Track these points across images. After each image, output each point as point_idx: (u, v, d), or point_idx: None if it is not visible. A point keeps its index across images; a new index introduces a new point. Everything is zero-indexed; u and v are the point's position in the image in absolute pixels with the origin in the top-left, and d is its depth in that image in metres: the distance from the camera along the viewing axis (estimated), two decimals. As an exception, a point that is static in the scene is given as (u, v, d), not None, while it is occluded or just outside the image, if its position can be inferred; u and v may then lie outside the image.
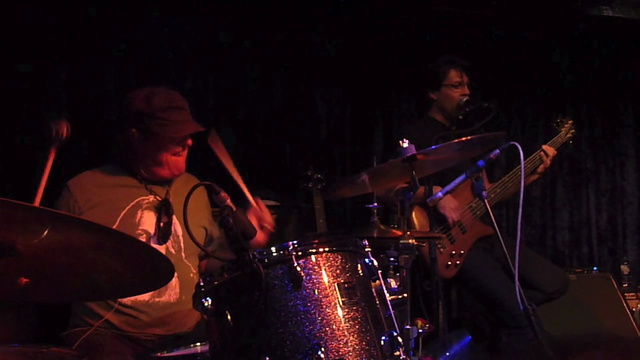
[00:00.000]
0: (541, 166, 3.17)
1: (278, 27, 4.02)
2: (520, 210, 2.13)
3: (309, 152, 4.10)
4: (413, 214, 3.02)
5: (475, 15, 4.10)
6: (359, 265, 1.63)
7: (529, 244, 4.63)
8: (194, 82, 3.95)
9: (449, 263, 3.02)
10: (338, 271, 1.56)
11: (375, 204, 2.25)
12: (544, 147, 3.17)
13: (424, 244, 2.77)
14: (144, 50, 3.73)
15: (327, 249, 1.57)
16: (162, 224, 2.17)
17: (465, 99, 3.11)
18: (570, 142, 3.35)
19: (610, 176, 4.89)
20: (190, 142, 2.22)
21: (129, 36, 3.69)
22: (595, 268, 4.22)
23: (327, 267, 1.56)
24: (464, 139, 2.06)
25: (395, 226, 2.90)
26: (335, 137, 4.26)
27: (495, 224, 2.23)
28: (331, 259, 1.57)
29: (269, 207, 2.34)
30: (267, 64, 4.10)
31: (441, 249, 2.98)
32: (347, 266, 1.58)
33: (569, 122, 3.31)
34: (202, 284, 1.57)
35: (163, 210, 2.19)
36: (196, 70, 3.95)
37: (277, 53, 4.06)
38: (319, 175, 3.62)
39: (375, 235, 2.18)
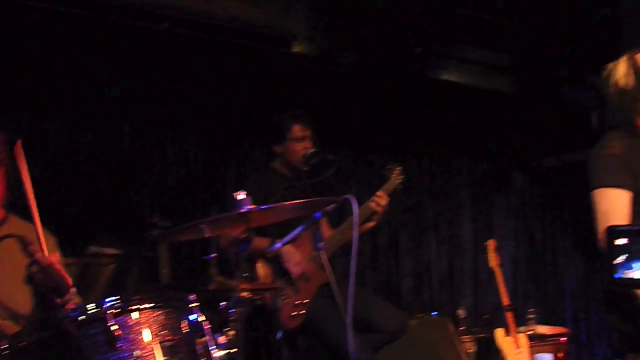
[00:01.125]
0: (374, 217, 3.26)
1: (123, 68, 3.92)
2: (353, 260, 2.19)
3: (156, 199, 3.99)
4: (259, 264, 3.01)
5: (316, 70, 4.27)
6: (184, 323, 1.59)
7: (376, 291, 4.80)
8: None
9: (294, 313, 3.03)
10: (160, 329, 1.51)
11: (213, 254, 2.21)
12: (378, 194, 3.27)
13: (267, 295, 2.76)
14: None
15: (148, 306, 1.52)
16: None
17: (310, 152, 3.18)
18: (400, 187, 3.46)
19: (449, 225, 5.25)
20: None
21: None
22: (435, 313, 4.47)
23: (148, 325, 1.50)
24: (296, 201, 2.10)
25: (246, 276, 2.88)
26: (186, 184, 4.19)
27: (330, 273, 2.28)
28: (153, 316, 1.52)
29: (109, 255, 2.20)
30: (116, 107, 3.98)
31: (285, 300, 2.99)
32: (171, 324, 1.54)
33: (398, 168, 3.42)
34: (6, 346, 1.44)
35: None
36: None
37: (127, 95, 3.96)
38: (165, 223, 3.51)
39: (212, 287, 2.14)
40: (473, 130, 5.19)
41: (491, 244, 4.35)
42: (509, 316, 4.19)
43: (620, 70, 2.15)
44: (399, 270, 5.02)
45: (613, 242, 0.65)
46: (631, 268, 0.64)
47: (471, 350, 4.40)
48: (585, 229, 2.53)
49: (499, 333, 4.21)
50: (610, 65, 2.20)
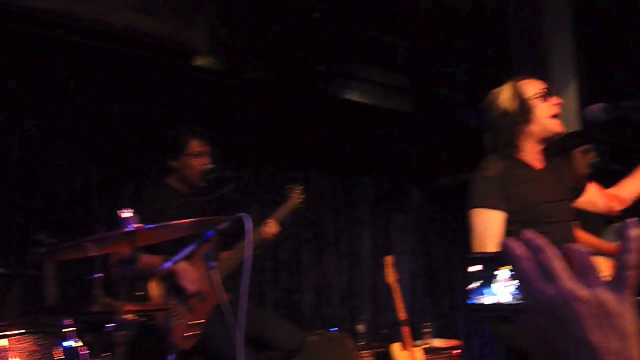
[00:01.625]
0: (267, 238, 3.24)
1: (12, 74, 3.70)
2: (245, 279, 2.16)
3: (44, 215, 3.76)
4: (152, 283, 2.91)
5: (218, 84, 4.22)
6: (58, 349, 1.50)
7: (276, 307, 4.78)
8: None
9: (188, 334, 2.95)
10: (30, 357, 1.41)
11: (98, 274, 2.12)
12: (269, 222, 3.26)
13: (159, 316, 2.67)
14: None
15: (18, 332, 1.42)
16: None
17: (207, 168, 3.12)
18: (300, 207, 3.49)
19: (349, 241, 5.33)
20: None
21: None
22: (335, 328, 4.50)
23: (17, 353, 1.40)
24: (186, 220, 2.05)
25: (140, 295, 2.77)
26: (78, 200, 3.98)
27: (221, 292, 2.24)
28: (23, 343, 1.42)
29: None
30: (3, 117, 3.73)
31: (179, 320, 2.90)
32: (42, 351, 1.44)
33: (299, 188, 3.46)
34: None
35: None
36: None
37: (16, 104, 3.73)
38: (52, 240, 3.31)
39: (95, 309, 2.03)
40: (373, 148, 5.31)
41: (389, 260, 4.45)
42: (405, 331, 4.30)
43: (505, 95, 2.29)
44: (300, 286, 5.03)
45: (467, 269, 0.66)
46: (482, 294, 0.66)
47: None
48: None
49: (395, 347, 4.30)
50: (495, 91, 2.34)
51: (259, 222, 3.23)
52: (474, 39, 5.22)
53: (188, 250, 2.24)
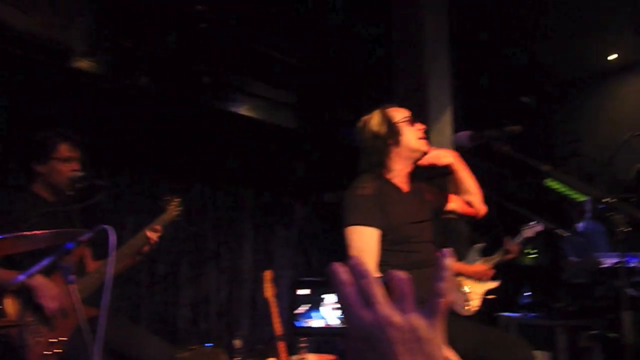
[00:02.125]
0: (145, 247, 3.14)
1: None
2: (105, 294, 2.06)
3: None
4: (7, 299, 2.70)
5: (97, 88, 4.06)
6: None
7: (151, 322, 4.62)
8: None
9: (47, 352, 2.76)
10: None
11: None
12: (153, 226, 3.16)
13: (13, 332, 2.48)
14: None
15: None
16: None
17: (76, 174, 2.95)
18: (177, 219, 3.39)
19: (230, 255, 5.27)
20: None
21: None
22: (210, 344, 4.42)
23: None
24: (41, 232, 1.93)
25: None
26: None
27: (80, 308, 2.12)
28: None
29: None
30: None
31: (37, 338, 2.71)
32: None
33: (176, 200, 3.36)
34: None
35: None
36: None
37: None
38: None
39: None
40: (258, 162, 5.31)
41: (267, 274, 4.45)
42: (281, 345, 4.30)
43: (375, 120, 2.42)
44: (177, 300, 4.89)
45: (295, 292, 0.68)
46: (310, 317, 0.67)
47: (246, 381, 4.43)
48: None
49: (270, 362, 4.29)
50: (365, 117, 2.48)
51: (135, 233, 3.12)
52: (358, 63, 5.39)
53: (44, 263, 2.10)
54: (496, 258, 3.76)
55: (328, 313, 0.67)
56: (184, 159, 4.88)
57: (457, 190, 2.59)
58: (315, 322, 0.67)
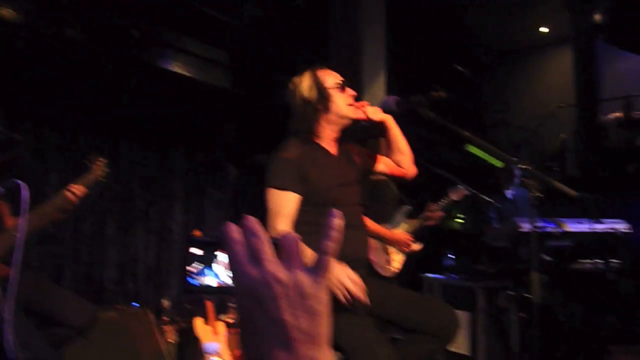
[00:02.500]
0: (67, 205, 3.04)
1: None
2: (17, 252, 2.00)
3: None
4: None
5: (20, 38, 3.86)
6: None
7: (76, 282, 4.52)
8: None
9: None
10: None
11: None
12: (74, 186, 3.07)
13: None
14: None
15: None
16: None
17: (-9, 128, 2.82)
18: (102, 180, 3.31)
19: (160, 216, 5.19)
20: None
21: None
22: (136, 304, 4.37)
23: None
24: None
25: None
26: None
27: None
28: None
29: None
30: None
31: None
32: None
33: (102, 160, 3.27)
34: None
35: None
36: None
37: None
38: None
39: None
40: (189, 122, 5.21)
41: (196, 234, 4.42)
42: (208, 305, 4.30)
43: (305, 84, 2.38)
44: (103, 260, 4.80)
45: (188, 250, 0.67)
46: (204, 274, 0.67)
47: (172, 340, 4.42)
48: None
49: (198, 322, 4.29)
50: (296, 79, 2.43)
51: (58, 191, 3.02)
52: (294, 24, 5.32)
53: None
54: (417, 223, 3.86)
55: (222, 272, 0.67)
56: (111, 115, 4.73)
57: (388, 150, 2.59)
58: (208, 280, 0.68)
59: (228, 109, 5.38)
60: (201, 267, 0.68)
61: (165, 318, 4.59)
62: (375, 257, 3.72)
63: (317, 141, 2.43)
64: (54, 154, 4.40)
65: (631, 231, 3.87)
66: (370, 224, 3.50)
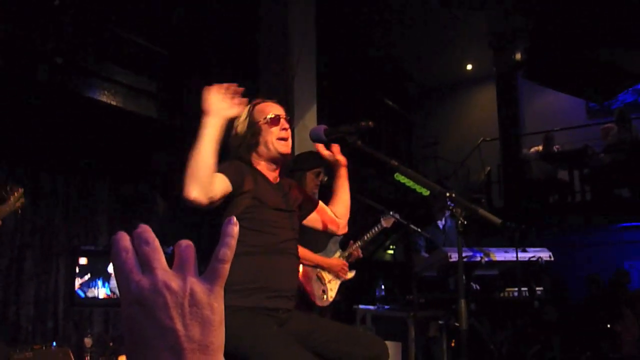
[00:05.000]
0: None
1: None
2: None
3: None
4: None
5: None
6: None
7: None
8: None
9: None
10: None
11: None
12: None
13: None
14: None
15: None
16: None
17: None
18: (20, 211, 3.18)
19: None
20: None
21: None
22: (54, 343, 4.14)
23: None
24: None
25: None
26: None
27: None
28: None
29: None
30: None
31: None
32: None
33: (20, 190, 3.16)
34: None
35: None
36: None
37: None
38: None
39: None
40: (115, 152, 5.06)
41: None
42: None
43: (240, 118, 2.37)
44: (19, 298, 4.53)
45: (77, 261, 0.62)
46: (96, 285, 0.62)
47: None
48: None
49: (122, 360, 4.12)
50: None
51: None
52: (223, 54, 5.32)
53: None
54: (344, 255, 3.89)
55: (113, 283, 0.62)
56: (33, 144, 4.54)
57: (331, 198, 2.60)
58: (99, 292, 0.62)
59: (156, 138, 5.27)
60: (89, 279, 0.63)
61: (87, 357, 4.38)
62: (311, 287, 3.69)
63: (258, 168, 2.41)
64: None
65: (552, 259, 4.01)
66: (305, 252, 3.48)
